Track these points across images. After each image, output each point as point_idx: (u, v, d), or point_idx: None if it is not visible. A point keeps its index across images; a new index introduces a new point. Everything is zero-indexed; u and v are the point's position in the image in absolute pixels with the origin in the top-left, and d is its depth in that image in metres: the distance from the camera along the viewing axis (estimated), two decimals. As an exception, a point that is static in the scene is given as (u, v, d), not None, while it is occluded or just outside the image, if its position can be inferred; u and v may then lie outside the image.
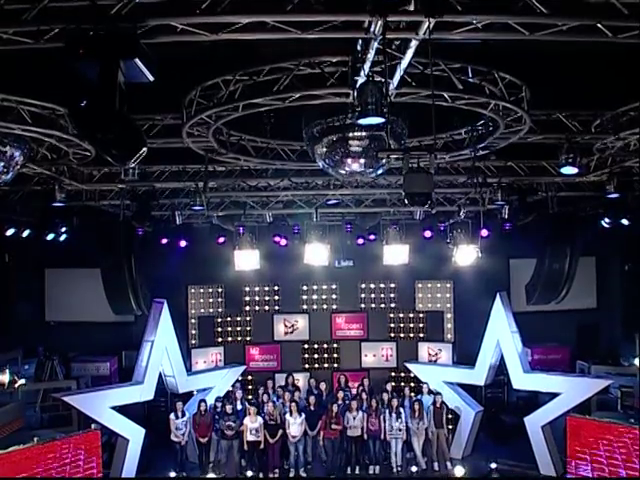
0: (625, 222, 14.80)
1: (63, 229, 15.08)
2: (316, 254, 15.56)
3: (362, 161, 7.47)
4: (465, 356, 16.86)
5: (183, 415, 14.60)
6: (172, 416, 14.55)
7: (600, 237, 16.98)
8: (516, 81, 8.33)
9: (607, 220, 15.10)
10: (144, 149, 5.56)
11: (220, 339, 18.64)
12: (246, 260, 15.39)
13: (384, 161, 7.53)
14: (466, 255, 14.28)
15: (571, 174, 10.47)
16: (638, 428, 11.94)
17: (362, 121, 6.50)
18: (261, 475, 14.53)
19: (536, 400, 15.83)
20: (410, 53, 6.45)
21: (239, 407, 14.99)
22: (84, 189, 13.34)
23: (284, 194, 14.08)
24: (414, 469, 14.19)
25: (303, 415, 14.54)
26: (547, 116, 10.01)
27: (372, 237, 17.04)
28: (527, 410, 15.09)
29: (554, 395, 14.35)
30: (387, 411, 14.63)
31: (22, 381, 16.93)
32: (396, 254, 15.65)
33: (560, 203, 14.48)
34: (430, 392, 15.35)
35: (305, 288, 19.04)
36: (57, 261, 19.18)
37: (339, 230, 16.79)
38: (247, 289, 18.91)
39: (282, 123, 9.91)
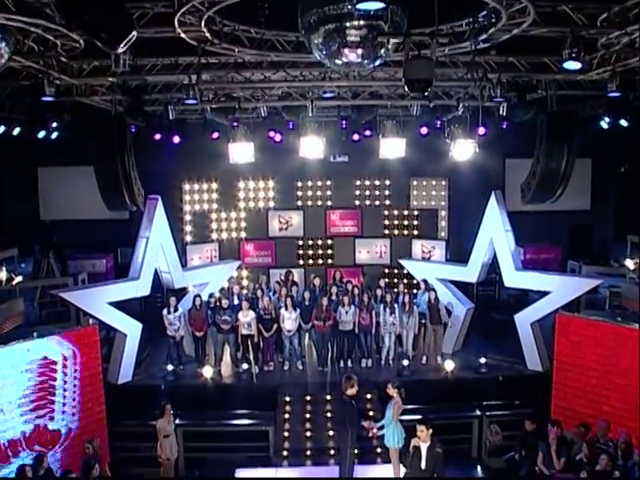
0: (624, 123, 14.62)
1: (54, 124, 14.83)
2: (311, 147, 15.27)
3: (359, 52, 7.22)
4: (458, 253, 17.03)
5: (176, 310, 14.77)
6: (165, 312, 14.72)
7: (597, 139, 16.84)
8: (522, -32, 7.97)
9: (607, 120, 14.91)
10: (134, 33, 5.35)
11: (215, 235, 18.75)
12: (241, 153, 15.13)
13: (382, 52, 7.26)
14: (463, 150, 14.11)
15: (574, 69, 10.21)
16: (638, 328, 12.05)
17: (361, 5, 6.25)
18: (256, 368, 14.88)
19: (526, 298, 16.05)
20: None
21: (236, 302, 15.19)
22: (74, 84, 12.99)
23: (279, 85, 13.75)
24: (405, 363, 14.52)
25: (298, 310, 14.76)
26: (552, 8, 9.64)
27: (368, 133, 16.83)
28: (517, 308, 15.30)
29: (544, 294, 14.49)
30: (381, 306, 14.84)
31: (19, 278, 17.07)
32: (392, 148, 15.37)
33: (560, 102, 14.24)
34: (427, 289, 15.53)
35: (300, 184, 19.05)
36: (50, 160, 19.04)
37: (334, 126, 16.55)
38: (242, 185, 18.89)
39: (277, 12, 9.56)
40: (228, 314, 14.68)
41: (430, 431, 9.39)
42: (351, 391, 10.62)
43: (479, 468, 12.83)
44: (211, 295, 15.31)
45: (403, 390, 10.92)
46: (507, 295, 18.07)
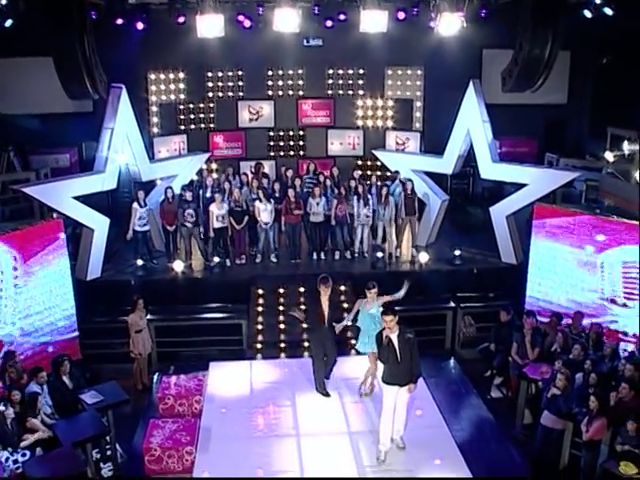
0: (609, 11, 14.11)
1: (4, 2, 13.78)
2: (286, 20, 14.13)
3: None
4: (433, 145, 16.66)
5: (146, 204, 14.41)
6: (135, 205, 14.29)
7: (578, 31, 16.26)
8: None
9: (594, 3, 14.37)
10: None
11: (183, 127, 18.21)
12: (209, 26, 13.85)
13: None
14: (450, 24, 13.39)
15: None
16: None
17: None
18: (227, 261, 14.64)
19: (501, 192, 15.89)
20: None
21: (209, 195, 14.80)
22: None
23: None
24: (379, 255, 14.41)
25: (273, 202, 14.43)
26: None
27: (342, 17, 15.97)
28: (492, 202, 15.16)
29: (520, 187, 14.32)
30: (355, 198, 14.56)
31: (-21, 171, 16.48)
32: (374, 21, 14.21)
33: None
34: (401, 180, 15.23)
35: (270, 73, 18.48)
36: (5, 51, 17.92)
37: (307, 12, 15.62)
38: (210, 74, 18.28)
39: None
40: (192, 207, 14.31)
41: (396, 318, 8.86)
42: (326, 292, 10.42)
43: (452, 359, 12.92)
44: (183, 188, 14.88)
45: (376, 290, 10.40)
46: (482, 188, 17.95)
